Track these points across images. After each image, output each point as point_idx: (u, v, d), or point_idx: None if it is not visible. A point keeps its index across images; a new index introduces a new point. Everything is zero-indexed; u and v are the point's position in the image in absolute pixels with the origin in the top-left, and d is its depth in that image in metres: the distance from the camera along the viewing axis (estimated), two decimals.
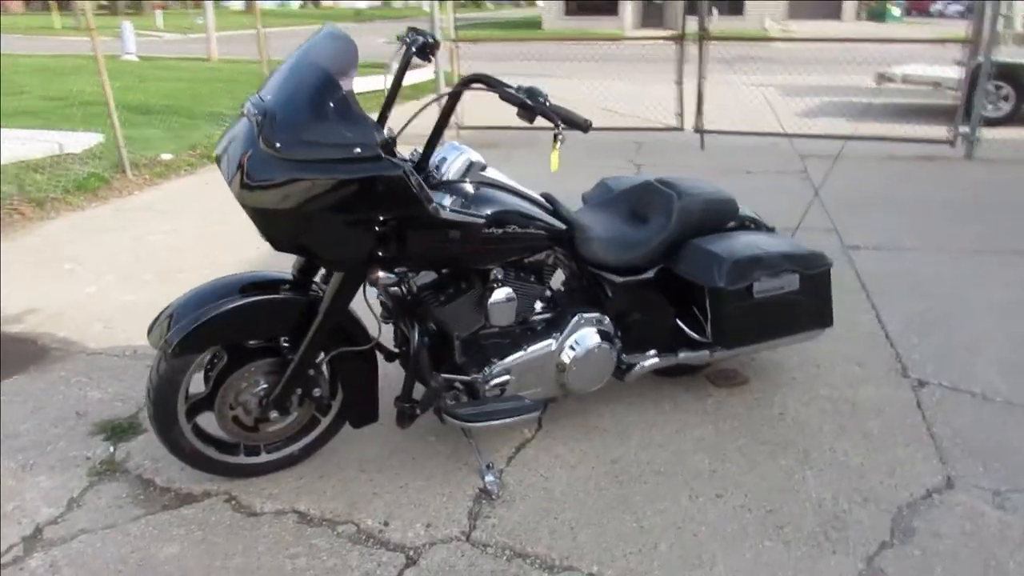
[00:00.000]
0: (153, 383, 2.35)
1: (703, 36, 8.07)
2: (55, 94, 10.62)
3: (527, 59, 9.95)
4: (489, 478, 2.60)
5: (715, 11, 15.14)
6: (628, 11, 29.23)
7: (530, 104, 2.18)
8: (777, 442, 2.87)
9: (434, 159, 2.45)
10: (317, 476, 2.64)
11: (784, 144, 7.78)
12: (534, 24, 31.28)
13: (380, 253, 2.24)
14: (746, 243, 2.83)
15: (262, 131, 2.07)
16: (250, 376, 2.43)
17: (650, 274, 2.85)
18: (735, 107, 8.99)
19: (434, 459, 2.73)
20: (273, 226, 2.14)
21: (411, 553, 2.29)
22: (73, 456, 2.73)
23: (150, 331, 2.36)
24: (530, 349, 2.71)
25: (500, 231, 2.44)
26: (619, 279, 2.80)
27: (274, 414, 2.44)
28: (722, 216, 2.96)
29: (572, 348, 2.74)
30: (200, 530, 2.37)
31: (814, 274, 2.92)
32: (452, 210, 2.28)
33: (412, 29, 2.56)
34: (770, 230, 3.11)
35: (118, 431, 2.87)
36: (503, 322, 2.62)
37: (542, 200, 2.68)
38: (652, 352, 2.96)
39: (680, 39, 8.28)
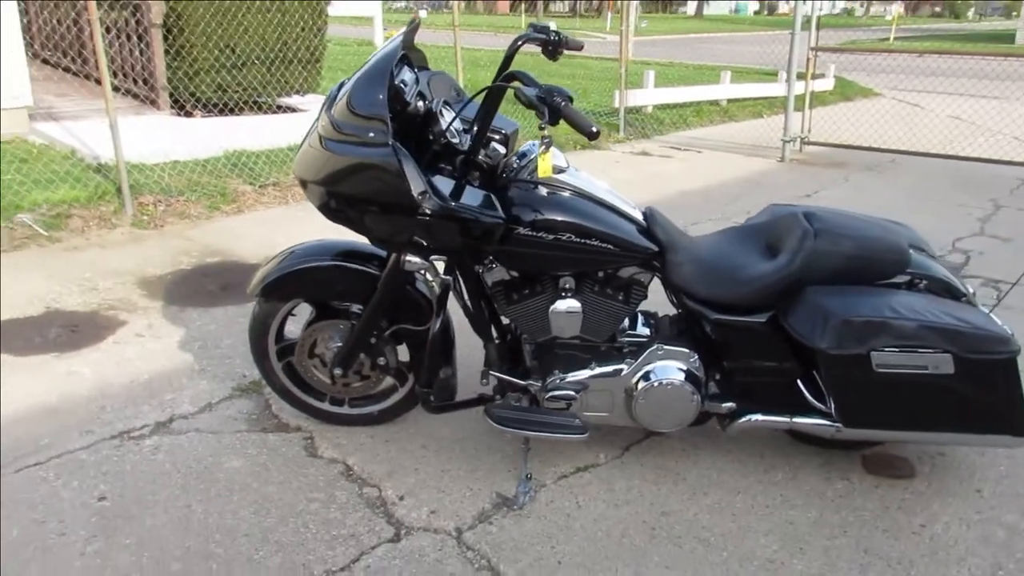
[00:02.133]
0: (250, 323, 2.73)
1: None
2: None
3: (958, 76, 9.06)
4: (521, 488, 2.52)
5: None
6: None
7: (539, 101, 2.05)
8: (887, 557, 2.28)
9: (515, 155, 2.43)
10: (384, 439, 2.80)
11: None
12: (1007, 38, 27.05)
13: (415, 237, 2.31)
14: (881, 303, 2.27)
15: (323, 110, 2.28)
16: (326, 333, 2.68)
17: (761, 319, 2.45)
18: None
19: (491, 456, 2.71)
20: (314, 195, 2.34)
21: (401, 530, 2.34)
22: (238, 371, 3.28)
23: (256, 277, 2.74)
24: (598, 368, 2.53)
25: (550, 237, 2.32)
26: (714, 316, 2.46)
27: (338, 371, 2.66)
28: (878, 268, 2.40)
29: (645, 378, 2.50)
30: (266, 455, 2.70)
31: (979, 360, 2.23)
32: (460, 205, 2.24)
33: (532, 26, 2.54)
34: (956, 297, 2.44)
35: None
36: (565, 333, 2.50)
37: (633, 215, 2.48)
38: (760, 408, 2.55)
39: None
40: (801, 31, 7.82)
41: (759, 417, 2.54)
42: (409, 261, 2.37)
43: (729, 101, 11.64)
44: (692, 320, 2.55)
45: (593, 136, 2.05)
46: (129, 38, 7.76)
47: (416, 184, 2.16)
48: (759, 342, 2.47)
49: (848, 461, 2.73)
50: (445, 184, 2.28)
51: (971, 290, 2.61)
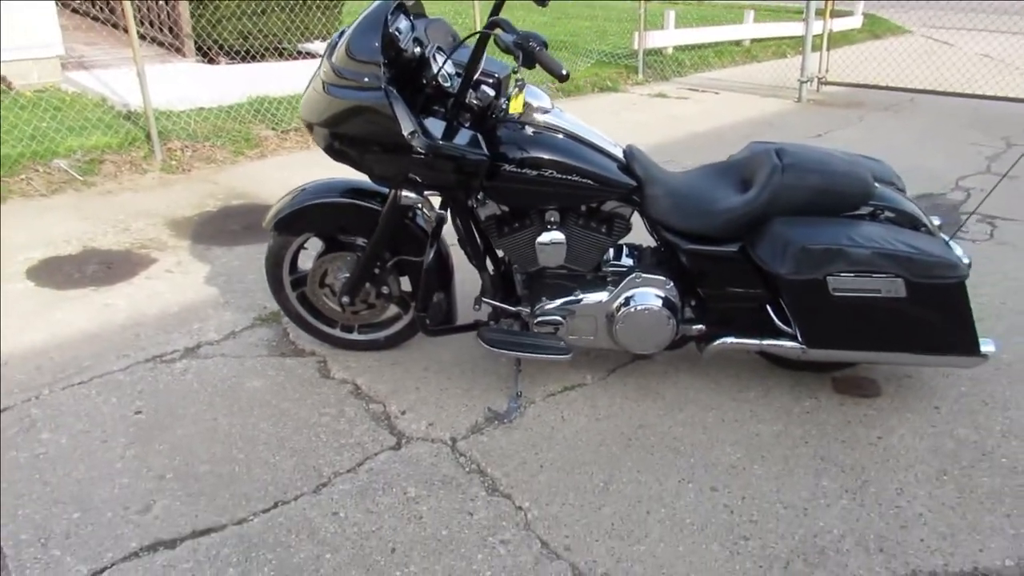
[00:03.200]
0: (266, 256, 2.98)
1: None
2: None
3: None
4: (511, 404, 2.77)
5: None
6: None
7: (515, 46, 2.22)
8: (841, 464, 2.51)
9: (504, 97, 2.62)
10: (390, 362, 3.07)
11: None
12: None
13: (410, 175, 2.52)
14: (840, 232, 2.45)
15: (325, 56, 2.48)
16: (334, 264, 2.92)
17: (732, 248, 2.64)
18: None
19: (487, 377, 2.96)
20: (319, 137, 2.55)
21: (402, 440, 2.62)
22: (259, 303, 3.54)
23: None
24: (582, 296, 2.75)
25: (534, 174, 2.52)
26: (688, 246, 2.65)
27: (346, 299, 2.91)
28: (842, 200, 2.57)
29: (625, 304, 2.71)
30: (284, 376, 2.98)
31: (930, 284, 2.41)
32: (447, 144, 2.43)
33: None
34: (916, 228, 2.60)
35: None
36: (551, 263, 2.71)
37: (614, 152, 2.66)
38: (733, 332, 2.75)
39: None
40: None
41: (732, 340, 2.75)
42: (405, 196, 2.58)
43: (753, 41, 11.54)
44: (669, 251, 2.74)
45: (563, 78, 2.23)
46: None
47: (406, 124, 2.36)
48: (730, 270, 2.66)
49: (819, 382, 2.94)
50: (436, 125, 2.48)
51: (936, 222, 2.77)
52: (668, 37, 10.13)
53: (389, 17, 2.44)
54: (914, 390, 2.89)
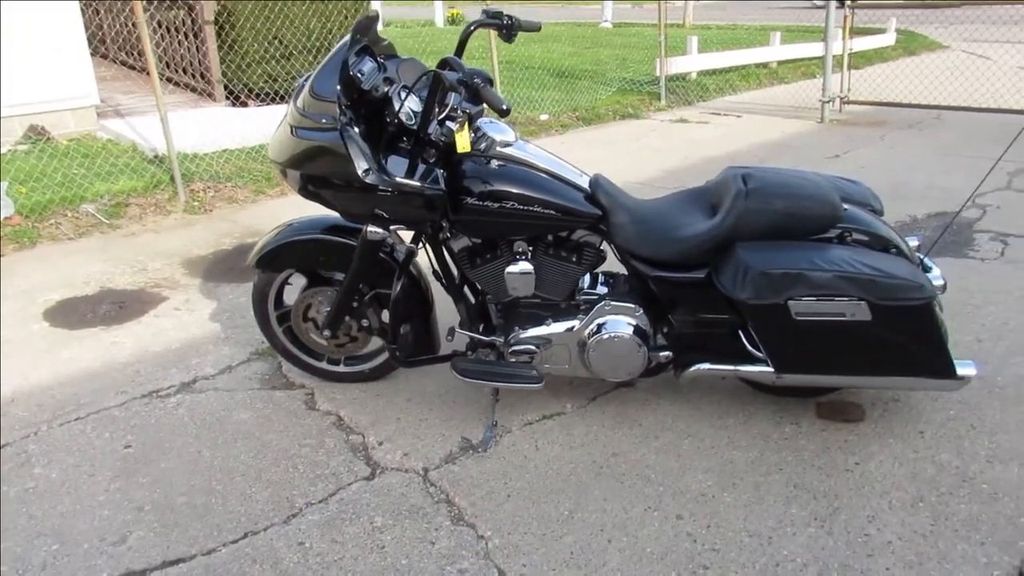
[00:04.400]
0: (252, 291, 3.08)
1: None
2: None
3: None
4: (487, 434, 2.80)
5: None
6: None
7: (459, 83, 2.28)
8: (814, 490, 2.46)
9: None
10: (375, 394, 3.12)
11: None
12: None
13: (375, 210, 2.59)
14: (800, 256, 2.43)
15: (292, 100, 2.58)
16: (316, 298, 3.00)
17: (699, 275, 2.63)
18: None
19: (467, 407, 2.99)
20: (291, 179, 2.65)
21: (376, 470, 2.66)
22: (257, 339, 3.62)
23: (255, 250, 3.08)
24: (554, 325, 2.77)
25: (496, 206, 2.57)
26: (655, 272, 2.66)
27: (327, 333, 2.98)
28: (808, 223, 2.54)
29: (595, 332, 2.73)
30: (271, 408, 3.06)
31: (896, 306, 2.37)
32: (402, 182, 2.49)
33: (484, 11, 2.77)
34: (886, 249, 2.55)
35: None
36: (522, 293, 2.75)
37: (578, 182, 2.69)
38: (707, 358, 2.74)
39: None
40: None
41: (706, 366, 2.73)
42: (372, 231, 2.65)
43: (780, 63, 11.48)
44: (639, 278, 2.75)
45: (504, 113, 2.28)
46: (186, 36, 8.28)
47: (359, 163, 2.43)
48: (699, 296, 2.66)
49: (802, 408, 2.90)
50: (397, 162, 2.55)
51: (914, 243, 2.73)
52: (691, 62, 10.14)
53: (352, 59, 2.53)
54: (900, 415, 2.83)
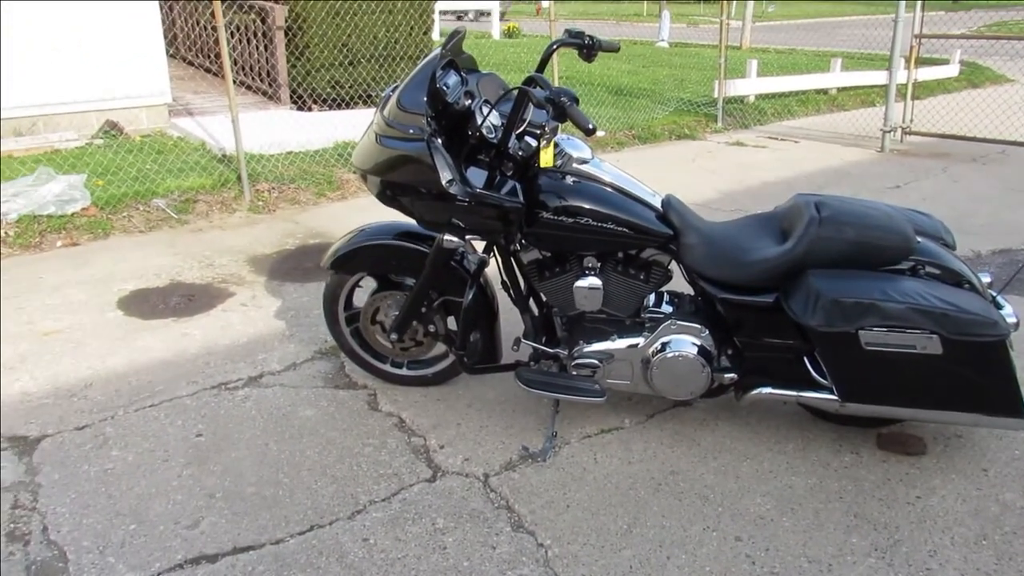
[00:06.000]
0: (324, 292, 3.17)
1: None
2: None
3: None
4: (546, 444, 2.84)
5: None
6: None
7: (547, 101, 2.34)
8: (875, 521, 2.46)
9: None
10: (436, 398, 3.19)
11: None
12: None
13: (452, 219, 2.66)
14: (873, 286, 2.44)
15: (378, 110, 2.67)
16: (386, 302, 3.09)
17: (768, 299, 2.65)
18: None
19: (527, 416, 3.04)
20: (372, 185, 2.74)
21: (438, 473, 2.72)
22: (321, 338, 3.74)
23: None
24: (618, 340, 2.82)
25: (571, 221, 2.62)
26: (723, 295, 2.69)
27: (394, 336, 3.05)
28: (880, 254, 2.55)
29: (660, 350, 2.76)
30: (335, 407, 3.14)
31: (968, 342, 2.36)
32: (484, 192, 2.56)
33: (567, 31, 2.84)
34: (959, 284, 2.55)
35: None
36: (588, 307, 2.79)
37: (651, 202, 2.73)
38: (770, 382, 2.76)
39: None
40: (907, 13, 7.64)
41: (769, 390, 2.75)
42: (448, 240, 2.73)
43: (840, 90, 11.37)
44: (706, 299, 2.78)
45: (589, 133, 2.33)
46: (257, 39, 8.52)
47: (445, 173, 2.51)
48: (766, 320, 2.68)
49: (862, 437, 2.89)
50: (477, 174, 2.62)
51: (986, 279, 2.71)
52: (750, 86, 10.11)
53: (438, 72, 2.61)
54: (963, 451, 2.81)
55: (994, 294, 2.64)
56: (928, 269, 2.57)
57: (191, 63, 9.83)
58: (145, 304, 4.13)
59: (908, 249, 2.56)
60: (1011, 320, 2.54)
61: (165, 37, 7.35)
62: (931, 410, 2.56)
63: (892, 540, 2.38)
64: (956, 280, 2.57)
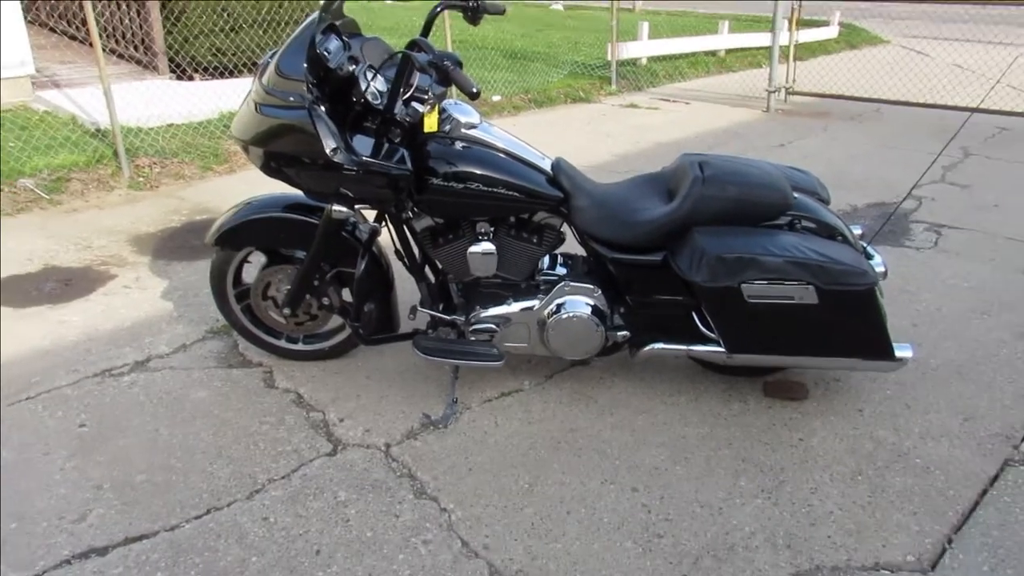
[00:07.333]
0: (210, 269, 3.06)
1: None
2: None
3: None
4: (447, 410, 2.85)
5: None
6: None
7: (429, 65, 2.31)
8: (761, 464, 2.59)
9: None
10: (334, 371, 3.14)
11: None
12: None
13: (340, 189, 2.60)
14: (754, 242, 2.54)
15: (256, 77, 2.57)
16: (276, 276, 3.00)
17: (656, 257, 2.72)
18: None
19: (426, 384, 3.04)
20: (254, 156, 2.64)
21: (338, 447, 2.69)
22: (212, 317, 3.60)
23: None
24: (514, 304, 2.84)
25: (460, 186, 2.61)
26: (613, 255, 2.74)
27: (287, 311, 2.98)
28: (760, 210, 2.65)
29: (555, 312, 2.80)
30: (229, 387, 3.05)
31: (840, 291, 2.50)
32: (370, 160, 2.52)
33: None
34: (832, 237, 2.68)
35: None
36: (483, 273, 2.80)
37: (541, 165, 2.75)
38: (662, 338, 2.84)
39: None
40: None
41: (660, 346, 2.83)
42: (337, 210, 2.66)
43: (728, 52, 11.69)
44: (597, 260, 2.83)
45: (473, 96, 2.32)
46: (128, 4, 8.03)
47: (328, 142, 2.44)
48: (655, 278, 2.75)
49: (750, 386, 3.03)
50: (363, 141, 2.56)
51: (858, 231, 2.86)
52: (642, 48, 10.26)
53: (318, 37, 2.53)
54: (841, 394, 2.98)
55: (865, 245, 2.79)
56: (804, 223, 2.69)
57: (53, 30, 9.19)
58: (17, 292, 3.88)
59: (786, 205, 2.67)
60: (880, 269, 2.69)
61: (22, 1, 6.82)
62: (811, 357, 2.70)
63: (777, 481, 2.51)
64: (830, 233, 2.70)
